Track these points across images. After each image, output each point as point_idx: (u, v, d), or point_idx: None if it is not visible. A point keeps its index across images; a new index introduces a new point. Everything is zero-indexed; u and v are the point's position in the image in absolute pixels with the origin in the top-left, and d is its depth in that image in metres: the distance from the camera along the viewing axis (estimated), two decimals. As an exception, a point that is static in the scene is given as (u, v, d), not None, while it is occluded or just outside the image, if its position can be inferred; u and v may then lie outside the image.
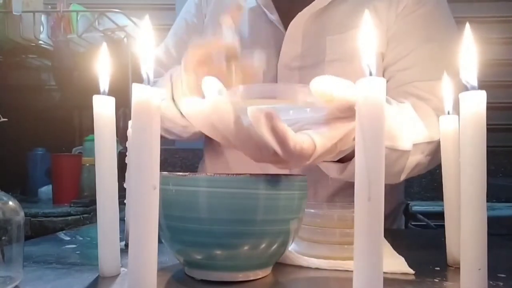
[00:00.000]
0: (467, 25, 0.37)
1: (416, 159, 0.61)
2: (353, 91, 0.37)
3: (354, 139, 0.37)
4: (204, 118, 0.39)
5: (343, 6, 0.73)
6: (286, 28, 0.74)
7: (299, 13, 0.72)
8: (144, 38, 0.33)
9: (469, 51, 0.37)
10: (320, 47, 0.72)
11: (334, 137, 0.40)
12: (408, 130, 0.60)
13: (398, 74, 0.72)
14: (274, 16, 0.74)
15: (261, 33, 0.76)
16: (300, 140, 0.38)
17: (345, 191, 0.77)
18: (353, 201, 0.31)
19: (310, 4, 0.72)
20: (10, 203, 0.41)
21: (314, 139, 0.39)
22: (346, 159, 0.51)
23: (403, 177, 0.63)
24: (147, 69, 0.33)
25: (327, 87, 0.37)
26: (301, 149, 0.38)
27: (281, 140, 0.37)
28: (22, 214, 0.42)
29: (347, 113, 0.39)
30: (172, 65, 0.80)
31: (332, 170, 0.54)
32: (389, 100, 0.61)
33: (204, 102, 0.38)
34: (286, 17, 0.74)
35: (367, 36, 0.32)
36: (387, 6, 0.72)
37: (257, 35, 0.76)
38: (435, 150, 0.63)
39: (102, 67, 0.44)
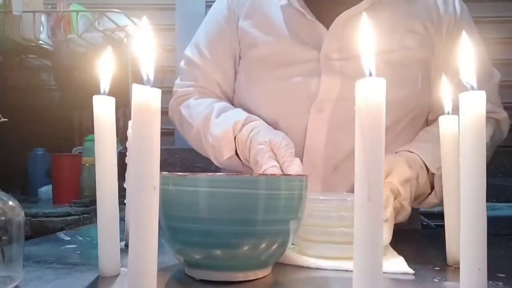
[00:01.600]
0: (463, 32, 0.37)
1: None
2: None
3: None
4: None
5: (383, 13, 0.77)
6: (322, 23, 0.77)
7: (342, 13, 0.75)
8: (143, 39, 0.33)
9: (469, 51, 0.37)
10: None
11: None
12: None
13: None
14: (307, 12, 0.77)
15: (299, 29, 0.79)
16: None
17: None
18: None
19: (354, 6, 0.75)
20: (10, 203, 0.41)
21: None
22: None
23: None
24: (147, 69, 0.33)
25: None
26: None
27: None
28: (22, 214, 0.42)
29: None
30: (206, 67, 0.84)
31: (429, 201, 0.70)
32: None
33: None
34: (320, 14, 0.77)
35: (367, 36, 0.32)
36: (426, 22, 0.77)
37: (295, 31, 0.79)
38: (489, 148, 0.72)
39: (104, 68, 0.44)
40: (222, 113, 0.77)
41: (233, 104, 0.85)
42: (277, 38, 0.79)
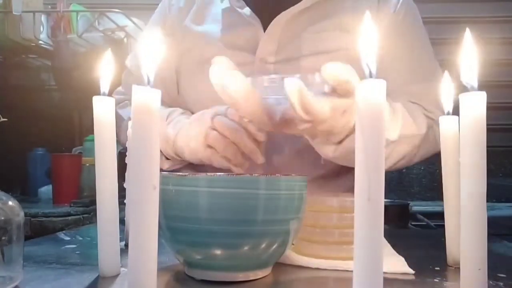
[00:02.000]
0: (467, 30, 0.37)
1: (403, 150, 0.67)
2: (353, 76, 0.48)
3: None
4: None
5: (323, 7, 0.75)
6: (262, 25, 0.76)
7: (283, 12, 0.74)
8: (148, 41, 0.33)
9: (470, 52, 0.37)
10: (295, 44, 0.75)
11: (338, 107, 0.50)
12: (396, 122, 0.64)
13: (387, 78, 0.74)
14: (247, 13, 0.76)
15: (237, 32, 0.77)
16: (319, 104, 0.48)
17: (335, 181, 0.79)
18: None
19: (294, 6, 0.74)
20: (10, 203, 0.41)
21: (330, 104, 0.49)
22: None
23: (387, 165, 0.66)
24: (147, 70, 0.33)
25: (336, 72, 0.48)
26: (321, 112, 0.49)
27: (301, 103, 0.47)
28: (22, 214, 0.42)
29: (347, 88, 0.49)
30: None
31: (326, 149, 0.58)
32: None
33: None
34: (260, 15, 0.76)
35: (366, 36, 0.32)
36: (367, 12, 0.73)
37: (232, 34, 0.78)
38: (420, 144, 0.69)
39: (105, 70, 0.44)
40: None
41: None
42: (210, 42, 0.77)
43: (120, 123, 0.79)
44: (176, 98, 0.83)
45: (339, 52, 0.72)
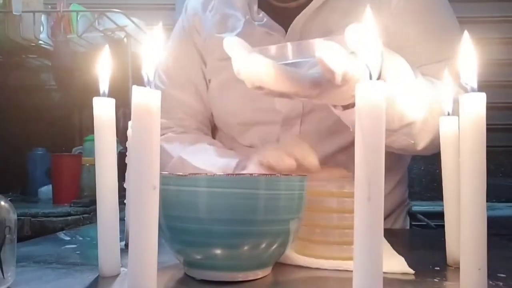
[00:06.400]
0: (465, 32, 0.37)
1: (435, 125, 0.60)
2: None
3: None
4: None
5: (339, 4, 0.74)
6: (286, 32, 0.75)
7: (297, 17, 0.73)
8: (151, 42, 0.33)
9: (469, 52, 0.37)
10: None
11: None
12: (421, 98, 0.60)
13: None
14: (272, 27, 0.76)
15: (258, 43, 0.77)
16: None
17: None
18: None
19: (307, 7, 0.73)
20: (2, 203, 0.41)
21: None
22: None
23: (421, 146, 0.64)
24: (147, 70, 0.33)
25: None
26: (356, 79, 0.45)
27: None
28: (14, 215, 0.41)
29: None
30: (174, 94, 0.85)
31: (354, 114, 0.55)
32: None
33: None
34: (284, 23, 0.75)
35: (367, 35, 0.32)
36: (378, 5, 0.72)
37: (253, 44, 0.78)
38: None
39: (103, 69, 0.44)
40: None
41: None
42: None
43: (168, 160, 0.79)
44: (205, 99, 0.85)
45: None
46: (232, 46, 0.47)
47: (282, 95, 0.47)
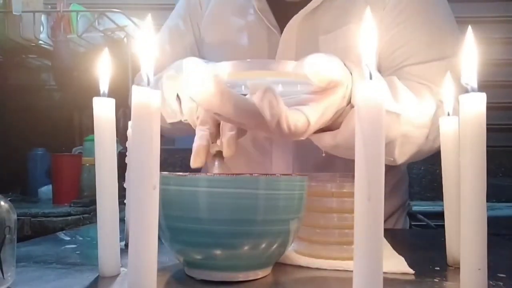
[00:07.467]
0: (469, 27, 0.37)
1: (405, 130, 0.59)
2: (338, 69, 0.47)
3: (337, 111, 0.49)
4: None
5: (335, 4, 0.75)
6: (281, 32, 0.75)
7: (294, 17, 0.73)
8: (145, 38, 0.33)
9: (470, 52, 0.37)
10: (313, 48, 0.74)
11: (324, 110, 0.48)
12: (401, 100, 0.58)
13: (393, 59, 0.73)
14: (271, 21, 0.76)
15: (258, 39, 0.78)
16: (295, 119, 0.45)
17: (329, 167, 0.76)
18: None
19: (304, 8, 0.73)
20: (2, 203, 0.41)
21: (308, 117, 0.46)
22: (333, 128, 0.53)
23: (397, 152, 0.60)
24: (147, 70, 0.33)
25: (319, 69, 0.45)
26: (296, 128, 0.45)
27: (276, 121, 0.44)
28: (14, 215, 0.41)
29: (331, 85, 0.47)
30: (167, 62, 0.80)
31: (324, 139, 0.54)
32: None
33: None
34: (281, 21, 0.75)
35: (366, 34, 0.32)
36: (372, 5, 0.72)
37: (253, 41, 0.78)
38: (429, 125, 0.61)
39: (103, 70, 0.44)
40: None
41: None
42: (233, 48, 0.78)
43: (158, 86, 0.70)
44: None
45: (357, 48, 0.71)
46: (192, 69, 0.48)
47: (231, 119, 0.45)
